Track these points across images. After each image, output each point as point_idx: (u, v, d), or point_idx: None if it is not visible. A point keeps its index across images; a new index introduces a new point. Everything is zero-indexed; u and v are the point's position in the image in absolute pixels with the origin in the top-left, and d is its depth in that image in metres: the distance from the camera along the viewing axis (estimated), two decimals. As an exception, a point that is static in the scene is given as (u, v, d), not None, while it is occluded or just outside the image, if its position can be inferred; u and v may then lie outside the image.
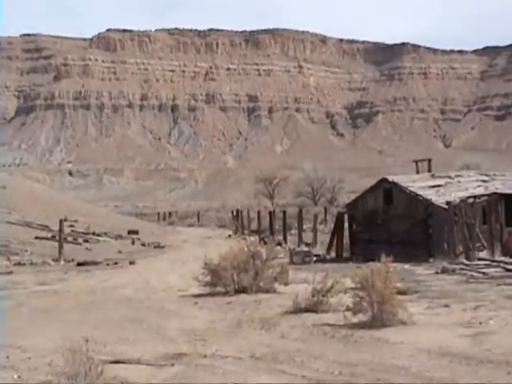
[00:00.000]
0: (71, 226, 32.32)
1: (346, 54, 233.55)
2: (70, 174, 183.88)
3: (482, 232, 20.05)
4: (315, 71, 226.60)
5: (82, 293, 14.37)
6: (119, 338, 9.16)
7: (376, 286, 9.17)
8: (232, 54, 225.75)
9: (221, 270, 12.97)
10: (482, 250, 19.72)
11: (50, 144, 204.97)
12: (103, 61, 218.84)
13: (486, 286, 13.19)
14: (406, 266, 17.39)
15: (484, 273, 15.12)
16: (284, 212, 31.77)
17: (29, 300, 13.26)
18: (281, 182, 78.02)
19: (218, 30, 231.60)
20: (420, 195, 20.03)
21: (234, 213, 45.30)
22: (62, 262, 22.09)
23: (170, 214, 69.99)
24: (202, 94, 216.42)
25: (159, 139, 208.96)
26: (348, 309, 9.62)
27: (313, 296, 10.57)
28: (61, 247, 23.17)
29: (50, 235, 28.16)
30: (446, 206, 19.47)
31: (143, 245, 31.06)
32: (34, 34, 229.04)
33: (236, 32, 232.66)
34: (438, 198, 19.90)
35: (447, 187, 21.10)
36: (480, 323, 9.32)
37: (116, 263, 21.81)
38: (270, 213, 34.08)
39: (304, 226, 29.84)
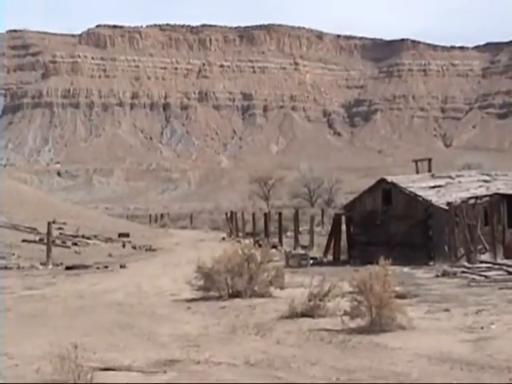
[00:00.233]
0: (60, 228, 32.05)
1: (344, 51, 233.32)
2: (59, 174, 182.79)
3: (484, 234, 20.07)
4: (311, 68, 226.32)
5: (71, 298, 14.23)
6: (109, 344, 9.05)
7: (374, 289, 9.06)
8: (226, 50, 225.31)
9: (214, 274, 12.81)
10: (483, 253, 19.74)
11: (38, 144, 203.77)
12: (93, 58, 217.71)
13: (487, 290, 13.17)
14: (406, 269, 17.37)
15: (486, 276, 15.06)
16: (280, 214, 31.72)
17: (16, 305, 13.11)
18: (276, 183, 77.98)
19: (211, 26, 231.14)
20: (420, 196, 19.96)
21: (228, 215, 45.10)
22: (51, 266, 21.91)
23: (161, 215, 69.64)
24: (194, 92, 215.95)
25: (151, 139, 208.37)
26: (345, 313, 9.53)
27: (309, 300, 10.46)
28: (49, 250, 22.92)
29: (37, 238, 27.90)
30: (447, 207, 19.42)
31: (134, 248, 30.89)
32: (20, 30, 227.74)
33: (230, 28, 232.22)
34: (439, 199, 19.84)
35: (448, 188, 21.09)
36: (482, 328, 9.23)
37: (106, 267, 21.66)
38: (265, 214, 33.91)
39: (300, 228, 29.88)
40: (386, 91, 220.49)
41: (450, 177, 22.62)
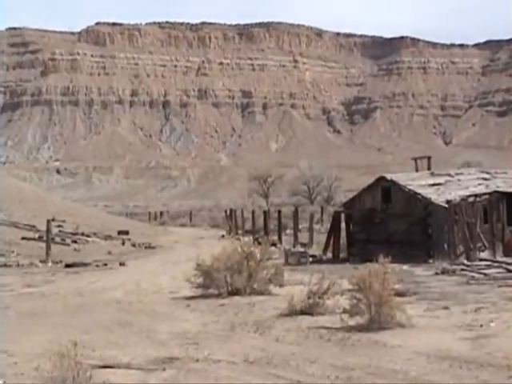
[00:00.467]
0: (59, 226, 32.00)
1: (343, 48, 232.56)
2: (58, 172, 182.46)
3: (483, 232, 20.07)
4: (311, 66, 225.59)
5: (70, 295, 14.21)
6: (108, 341, 9.05)
7: (374, 287, 9.05)
8: (225, 48, 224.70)
9: (213, 272, 12.80)
10: (483, 251, 19.76)
11: (38, 141, 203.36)
12: (92, 55, 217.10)
13: (487, 288, 13.12)
14: (405, 267, 17.34)
15: (485, 274, 15.04)
16: (279, 211, 31.70)
17: (15, 303, 13.09)
18: (276, 181, 77.76)
19: (210, 24, 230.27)
20: (419, 194, 19.89)
21: (228, 212, 45.00)
22: (50, 264, 21.88)
23: (161, 213, 69.58)
24: (194, 90, 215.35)
25: (150, 136, 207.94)
26: (345, 311, 9.53)
27: (308, 298, 10.44)
28: (48, 248, 22.86)
29: (37, 236, 27.82)
30: (446, 205, 19.42)
31: (134, 245, 30.87)
32: (20, 28, 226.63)
33: (229, 25, 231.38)
34: (438, 197, 19.79)
35: (447, 185, 21.05)
36: (481, 326, 9.23)
37: (105, 264, 21.64)
38: (265, 212, 33.93)
39: (300, 226, 29.86)
40: (385, 89, 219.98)
41: (450, 175, 22.58)
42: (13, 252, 23.83)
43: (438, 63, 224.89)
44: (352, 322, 9.33)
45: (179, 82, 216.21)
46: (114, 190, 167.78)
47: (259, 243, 18.80)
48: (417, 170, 24.35)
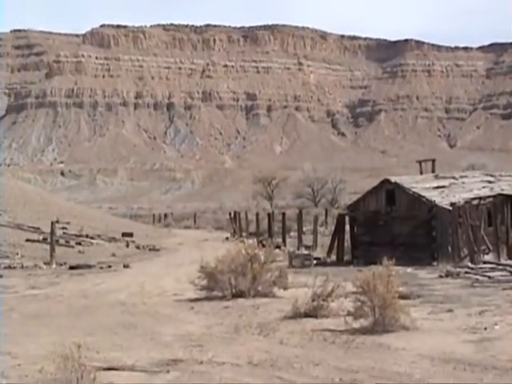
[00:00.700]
0: (63, 228, 32.01)
1: (348, 51, 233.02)
2: (63, 174, 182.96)
3: (488, 234, 20.00)
4: (315, 68, 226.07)
5: (75, 297, 14.22)
6: (113, 343, 9.04)
7: (378, 290, 9.02)
8: (230, 50, 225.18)
9: (218, 274, 12.78)
10: (487, 253, 19.73)
11: (42, 143, 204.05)
12: (96, 57, 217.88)
13: (491, 291, 13.09)
14: (409, 270, 17.29)
15: (489, 276, 14.97)
16: (283, 214, 31.60)
17: (19, 305, 13.10)
18: (280, 183, 77.68)
19: (215, 26, 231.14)
20: (423, 196, 19.81)
21: (232, 214, 44.92)
22: (54, 266, 21.89)
23: (165, 215, 69.63)
24: (198, 92, 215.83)
25: (154, 138, 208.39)
26: (349, 314, 9.51)
27: (313, 300, 10.43)
28: (52, 250, 22.89)
29: (41, 237, 27.85)
30: (451, 208, 19.34)
31: (138, 247, 30.86)
32: (24, 30, 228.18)
33: (234, 28, 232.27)
34: (442, 200, 19.73)
35: (451, 188, 20.99)
36: (485, 329, 9.17)
37: (110, 267, 21.64)
38: (269, 214, 33.80)
39: (304, 228, 29.76)
40: (389, 91, 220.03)
41: (454, 177, 22.54)
42: (17, 254, 23.85)
43: (442, 66, 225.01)
44: (356, 325, 9.26)
45: (184, 84, 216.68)
46: (119, 192, 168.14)
47: (263, 245, 18.79)
48: (421, 173, 24.32)
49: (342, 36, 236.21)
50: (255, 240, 29.17)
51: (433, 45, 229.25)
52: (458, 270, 16.40)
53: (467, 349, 8.10)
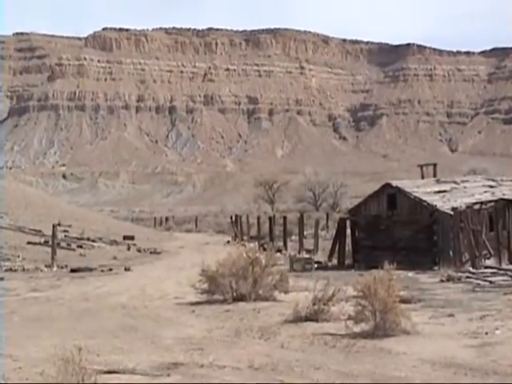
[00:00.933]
0: (65, 231, 32.10)
1: (349, 55, 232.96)
2: (64, 177, 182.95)
3: (489, 239, 20.07)
4: (317, 72, 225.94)
5: (76, 300, 14.23)
6: (113, 347, 9.05)
7: (379, 294, 9.03)
8: (232, 54, 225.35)
9: (219, 277, 12.78)
10: (488, 258, 19.75)
11: (44, 146, 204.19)
12: (99, 61, 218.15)
13: (492, 295, 13.10)
14: (410, 274, 17.30)
15: (490, 281, 14.97)
16: (284, 217, 31.61)
17: (20, 307, 13.11)
18: (281, 187, 77.47)
19: (217, 30, 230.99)
20: (425, 201, 19.85)
21: (233, 218, 44.88)
22: (55, 268, 21.92)
23: (166, 218, 69.52)
24: (200, 96, 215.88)
25: (156, 142, 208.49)
26: (350, 318, 9.51)
27: (313, 304, 10.42)
28: (54, 253, 22.93)
29: (42, 240, 27.90)
30: (452, 212, 19.35)
31: (139, 251, 30.86)
32: (27, 33, 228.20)
33: (236, 31, 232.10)
34: (444, 204, 19.74)
35: (453, 193, 21.04)
36: (486, 333, 9.17)
37: (111, 270, 21.65)
38: (270, 218, 33.82)
39: (305, 232, 29.72)
40: (391, 96, 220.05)
41: (455, 182, 22.57)
42: (18, 257, 23.88)
43: (444, 70, 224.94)
44: (357, 329, 9.28)
45: (185, 87, 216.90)
46: (120, 195, 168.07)
47: (264, 249, 18.78)
48: (422, 177, 24.32)
49: (344, 40, 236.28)
50: (256, 244, 29.19)
51: (435, 49, 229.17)
52: (460, 274, 16.39)
53: (468, 353, 8.10)
